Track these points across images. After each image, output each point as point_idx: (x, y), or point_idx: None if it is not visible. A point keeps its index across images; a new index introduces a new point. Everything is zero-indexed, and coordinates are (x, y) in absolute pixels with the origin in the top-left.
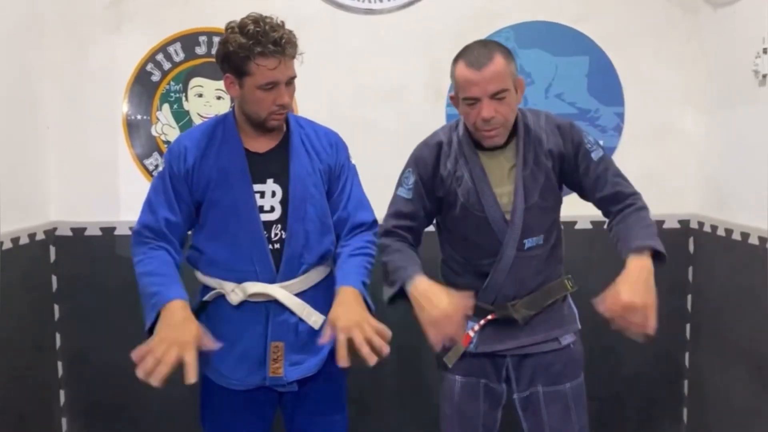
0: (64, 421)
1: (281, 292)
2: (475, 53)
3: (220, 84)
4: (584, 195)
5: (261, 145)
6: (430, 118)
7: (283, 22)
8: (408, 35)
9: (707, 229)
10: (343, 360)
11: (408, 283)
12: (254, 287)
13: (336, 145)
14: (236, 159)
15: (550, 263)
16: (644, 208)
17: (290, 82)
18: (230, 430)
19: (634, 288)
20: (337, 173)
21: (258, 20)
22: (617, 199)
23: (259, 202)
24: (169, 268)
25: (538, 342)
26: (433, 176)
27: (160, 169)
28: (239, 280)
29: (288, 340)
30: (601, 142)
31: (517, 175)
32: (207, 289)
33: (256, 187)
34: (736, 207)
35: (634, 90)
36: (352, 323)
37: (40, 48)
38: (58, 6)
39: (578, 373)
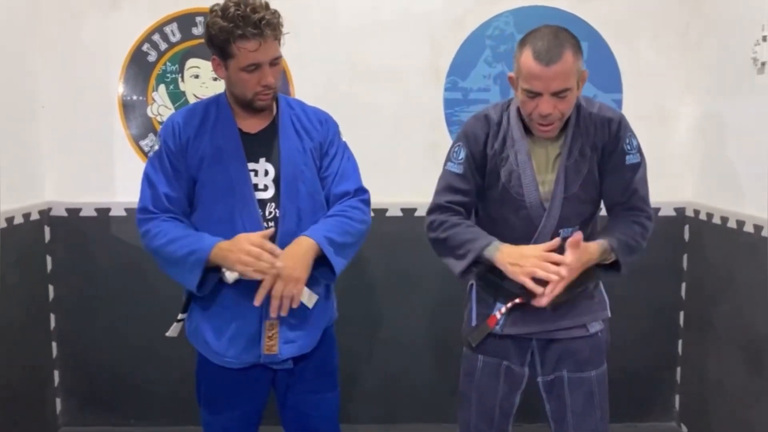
0: (58, 401)
1: None
2: (545, 44)
3: None
4: (602, 195)
5: (252, 125)
6: (429, 99)
7: (266, 3)
8: (408, 16)
9: (703, 217)
10: (257, 300)
11: (491, 251)
12: None
13: (326, 122)
14: (231, 138)
15: None
16: (644, 225)
17: (274, 62)
18: (226, 407)
19: (576, 256)
20: (326, 149)
21: (240, 3)
22: (626, 208)
23: (253, 180)
24: (189, 229)
25: (565, 328)
26: (483, 152)
27: (156, 148)
28: None
29: (282, 318)
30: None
31: (560, 164)
32: None
33: (250, 165)
34: (731, 195)
35: (632, 77)
36: (283, 275)
37: (36, 27)
38: None
39: (603, 360)
